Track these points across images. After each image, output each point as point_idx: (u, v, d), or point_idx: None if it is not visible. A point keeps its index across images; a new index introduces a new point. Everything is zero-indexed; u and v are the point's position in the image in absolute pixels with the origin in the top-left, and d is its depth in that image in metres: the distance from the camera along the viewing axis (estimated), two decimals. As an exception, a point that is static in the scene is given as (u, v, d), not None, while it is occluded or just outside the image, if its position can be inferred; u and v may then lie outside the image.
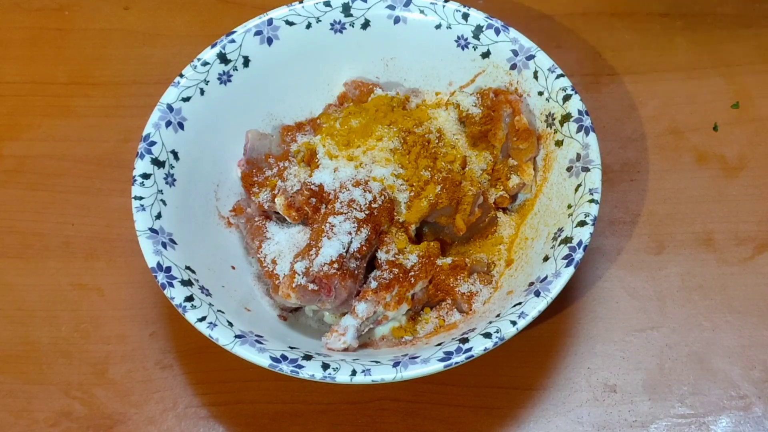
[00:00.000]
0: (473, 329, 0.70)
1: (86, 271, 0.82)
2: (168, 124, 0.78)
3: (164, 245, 0.73)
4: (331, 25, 0.83)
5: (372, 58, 0.85)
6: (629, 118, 0.88)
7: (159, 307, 0.79)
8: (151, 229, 0.74)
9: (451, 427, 0.75)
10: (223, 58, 0.81)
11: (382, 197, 0.75)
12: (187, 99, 0.80)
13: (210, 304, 0.71)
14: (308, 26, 0.83)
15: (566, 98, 0.78)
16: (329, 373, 0.67)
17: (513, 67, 0.81)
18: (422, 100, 0.84)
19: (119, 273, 0.82)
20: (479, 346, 0.68)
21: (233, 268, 0.78)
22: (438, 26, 0.82)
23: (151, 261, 0.72)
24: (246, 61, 0.82)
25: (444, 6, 0.82)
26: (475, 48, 0.82)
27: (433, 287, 0.76)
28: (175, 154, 0.78)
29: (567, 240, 0.72)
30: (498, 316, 0.70)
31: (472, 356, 0.68)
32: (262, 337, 0.70)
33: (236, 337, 0.69)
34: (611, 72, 0.90)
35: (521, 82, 0.80)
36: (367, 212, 0.74)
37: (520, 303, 0.70)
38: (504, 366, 0.76)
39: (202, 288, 0.72)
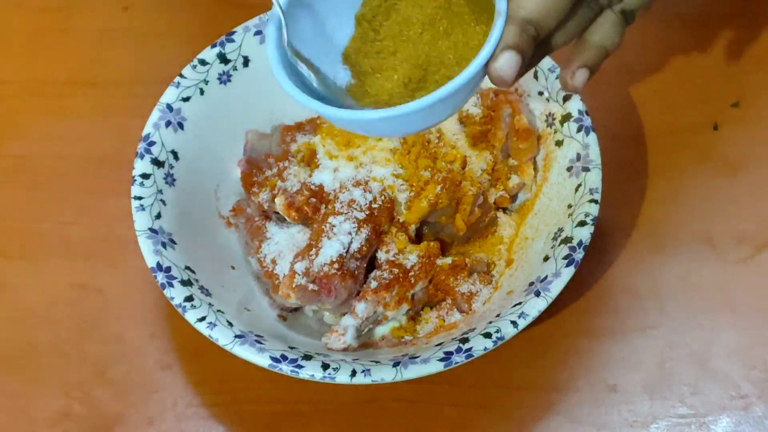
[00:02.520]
0: (473, 329, 0.70)
1: (86, 271, 0.82)
2: (168, 124, 0.78)
3: (164, 245, 0.73)
4: (331, 24, 0.83)
5: (372, 57, 0.84)
6: (629, 118, 0.88)
7: (159, 307, 0.79)
8: (151, 229, 0.74)
9: (451, 427, 0.75)
10: (222, 58, 0.81)
11: (382, 197, 0.75)
12: (187, 99, 0.80)
13: (210, 304, 0.71)
14: (308, 26, 0.83)
15: (566, 98, 0.78)
16: (329, 373, 0.67)
17: (513, 66, 0.81)
18: (422, 99, 0.84)
19: (119, 273, 0.81)
20: (479, 346, 0.68)
21: (233, 268, 0.78)
22: (438, 26, 0.82)
23: (151, 261, 0.72)
24: (246, 61, 0.82)
25: (444, 6, 0.82)
26: (475, 48, 0.82)
27: (433, 287, 0.76)
28: (174, 154, 0.78)
29: (567, 240, 0.72)
30: (498, 316, 0.70)
31: (472, 356, 0.68)
32: (261, 337, 0.70)
33: (236, 337, 0.69)
34: (611, 72, 0.90)
35: (521, 82, 0.80)
36: (367, 212, 0.74)
37: (520, 303, 0.70)
38: (504, 366, 0.76)
39: (201, 288, 0.72)
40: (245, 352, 0.68)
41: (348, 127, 0.68)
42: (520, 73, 0.56)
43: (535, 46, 0.57)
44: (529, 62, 0.57)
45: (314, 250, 0.73)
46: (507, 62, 0.55)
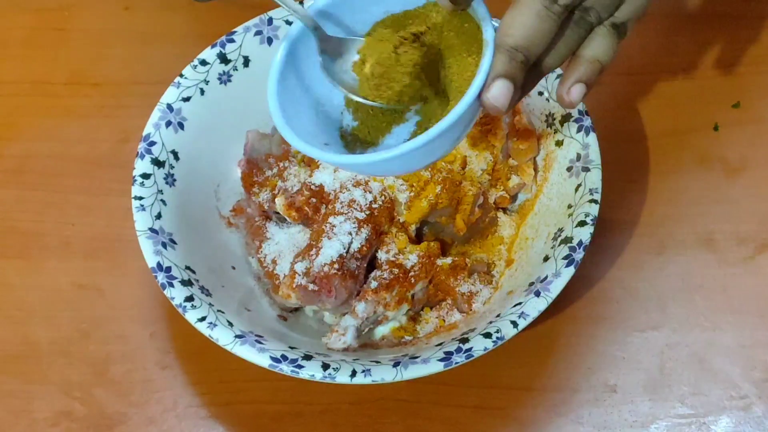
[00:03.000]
0: (473, 329, 0.70)
1: (86, 271, 0.82)
2: (168, 124, 0.78)
3: (164, 245, 0.73)
4: (331, 24, 0.83)
5: (372, 58, 0.84)
6: (629, 118, 0.88)
7: (159, 307, 0.79)
8: (151, 229, 0.74)
9: (451, 427, 0.75)
10: (223, 58, 0.81)
11: (383, 197, 0.75)
12: (187, 99, 0.80)
13: (210, 304, 0.71)
14: (308, 26, 0.83)
15: (566, 98, 0.78)
16: (329, 373, 0.67)
17: (513, 67, 0.81)
18: (422, 100, 0.84)
19: (119, 273, 0.81)
20: (479, 346, 0.68)
21: (233, 268, 0.78)
22: (438, 26, 0.82)
23: (151, 261, 0.72)
24: (246, 61, 0.82)
25: (444, 6, 0.82)
26: (475, 48, 0.82)
27: (433, 287, 0.76)
28: (175, 154, 0.78)
29: (567, 240, 0.72)
30: (498, 316, 0.70)
31: (472, 356, 0.68)
32: (262, 337, 0.70)
33: (236, 337, 0.69)
34: (611, 72, 0.90)
35: (521, 82, 0.80)
36: (367, 212, 0.74)
37: (520, 303, 0.70)
38: (504, 366, 0.76)
39: (202, 288, 0.72)
40: (245, 352, 0.68)
41: (351, 170, 0.67)
42: (515, 99, 0.57)
43: (527, 71, 0.57)
44: (522, 87, 0.57)
45: (314, 250, 0.73)
46: (499, 91, 0.56)
